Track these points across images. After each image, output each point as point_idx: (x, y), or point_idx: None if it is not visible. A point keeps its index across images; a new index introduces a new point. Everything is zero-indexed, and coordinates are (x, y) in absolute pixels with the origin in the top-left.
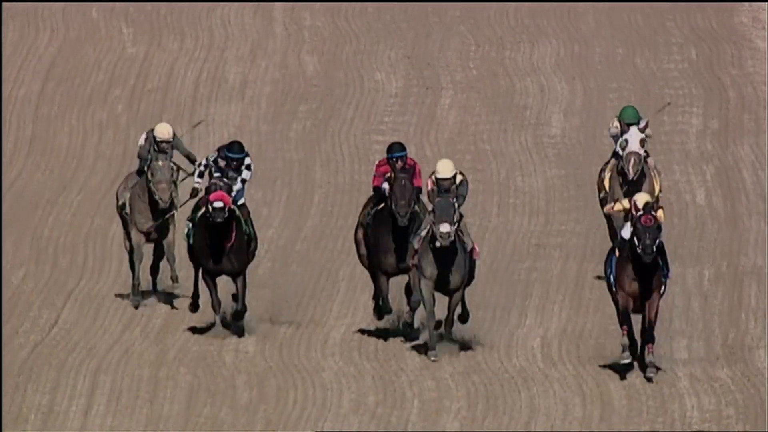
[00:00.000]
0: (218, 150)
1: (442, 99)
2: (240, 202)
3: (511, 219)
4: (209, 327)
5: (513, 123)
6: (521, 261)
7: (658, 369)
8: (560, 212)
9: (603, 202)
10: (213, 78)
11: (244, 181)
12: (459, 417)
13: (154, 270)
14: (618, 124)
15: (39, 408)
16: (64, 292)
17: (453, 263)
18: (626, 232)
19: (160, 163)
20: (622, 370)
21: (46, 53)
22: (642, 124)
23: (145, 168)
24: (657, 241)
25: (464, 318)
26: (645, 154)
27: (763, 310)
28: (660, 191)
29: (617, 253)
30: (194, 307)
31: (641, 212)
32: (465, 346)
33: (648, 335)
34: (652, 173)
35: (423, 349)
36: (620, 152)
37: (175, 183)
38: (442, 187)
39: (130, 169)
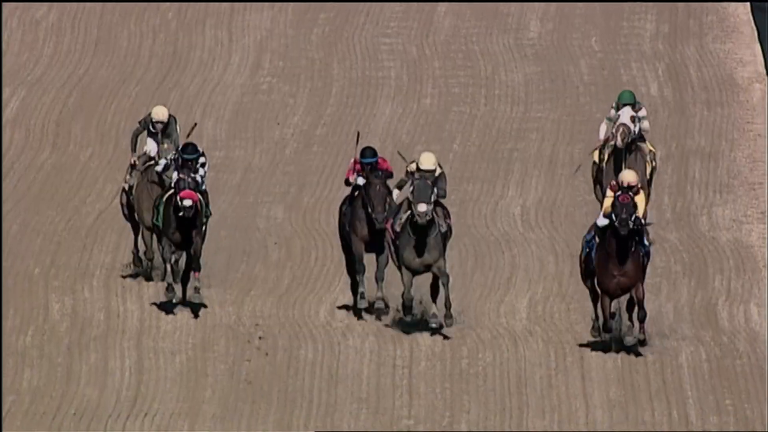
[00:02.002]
0: (177, 151)
1: (438, 7)
2: (203, 188)
3: (496, 107)
4: (245, 200)
5: (497, 27)
6: (504, 142)
7: (642, 342)
8: (537, 102)
9: (595, 175)
10: None
11: (203, 177)
12: (452, 272)
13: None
14: (614, 110)
15: (103, 265)
16: (123, 167)
17: (428, 242)
18: (601, 221)
19: (165, 146)
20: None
21: None
22: (641, 113)
23: (164, 175)
24: (633, 217)
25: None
26: (638, 134)
27: (705, 183)
28: (654, 170)
29: (597, 240)
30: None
31: (620, 192)
32: (460, 213)
33: (641, 312)
34: (646, 158)
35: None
36: (613, 129)
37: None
38: (423, 176)
39: (170, 77)
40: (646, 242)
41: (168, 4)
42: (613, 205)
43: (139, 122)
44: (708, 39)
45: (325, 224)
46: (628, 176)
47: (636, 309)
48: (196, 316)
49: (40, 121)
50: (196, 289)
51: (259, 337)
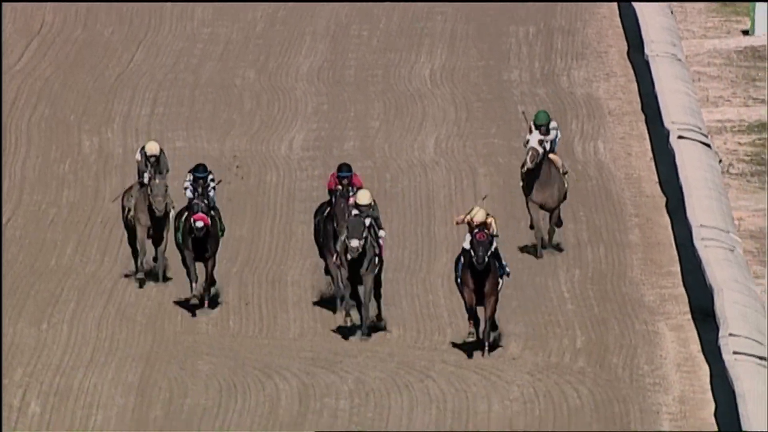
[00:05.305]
0: (189, 172)
1: None
2: (214, 205)
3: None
4: (226, 65)
5: None
6: (418, 22)
7: (494, 347)
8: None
9: (523, 189)
10: None
11: (214, 189)
12: (379, 119)
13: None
14: (531, 127)
15: (121, 113)
16: (135, 42)
17: (364, 262)
18: (467, 242)
19: (157, 181)
20: (469, 348)
21: None
22: (552, 125)
23: (147, 184)
24: (489, 252)
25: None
26: (546, 151)
27: (566, 52)
28: (566, 174)
29: (462, 260)
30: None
31: (476, 230)
32: (384, 75)
33: (491, 324)
34: (560, 170)
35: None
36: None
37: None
38: (361, 211)
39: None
40: (504, 265)
41: None
42: (471, 242)
43: (137, 161)
44: None
45: (285, 82)
46: (478, 216)
47: (487, 323)
48: (193, 150)
49: (74, 8)
50: (214, 297)
51: (237, 166)
